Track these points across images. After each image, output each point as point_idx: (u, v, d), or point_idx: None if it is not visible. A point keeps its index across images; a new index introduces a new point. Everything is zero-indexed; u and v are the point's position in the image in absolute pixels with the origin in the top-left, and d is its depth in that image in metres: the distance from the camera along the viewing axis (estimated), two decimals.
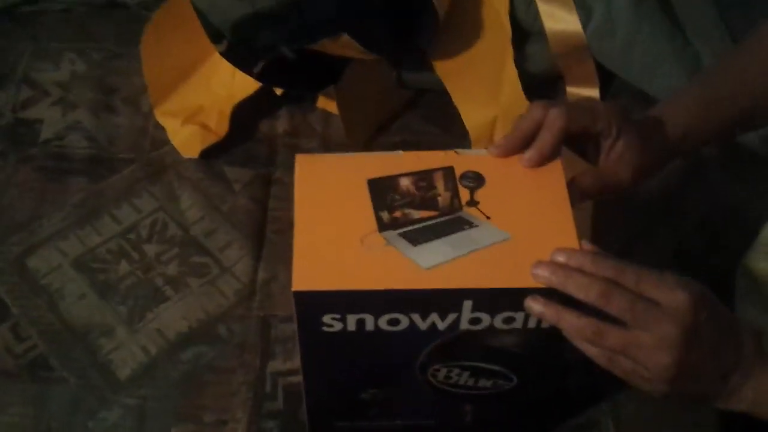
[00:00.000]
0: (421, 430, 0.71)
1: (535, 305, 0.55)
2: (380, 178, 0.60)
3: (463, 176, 0.61)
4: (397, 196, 0.59)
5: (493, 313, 0.56)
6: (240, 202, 0.90)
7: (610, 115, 0.64)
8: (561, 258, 0.55)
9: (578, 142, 0.65)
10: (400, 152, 0.63)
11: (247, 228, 0.88)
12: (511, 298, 0.55)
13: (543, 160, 0.61)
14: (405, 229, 0.58)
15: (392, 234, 0.57)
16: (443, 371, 0.62)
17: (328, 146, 0.95)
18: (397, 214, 0.59)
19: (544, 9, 0.96)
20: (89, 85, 0.99)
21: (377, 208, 0.59)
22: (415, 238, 0.57)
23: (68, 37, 1.04)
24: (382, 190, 0.60)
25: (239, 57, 0.93)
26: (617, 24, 0.94)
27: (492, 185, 0.60)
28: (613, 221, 0.83)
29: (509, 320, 0.57)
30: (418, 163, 0.61)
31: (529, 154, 0.62)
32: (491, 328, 0.57)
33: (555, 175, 0.61)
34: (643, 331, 0.54)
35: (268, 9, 0.97)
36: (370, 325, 0.57)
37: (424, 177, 0.61)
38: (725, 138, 0.71)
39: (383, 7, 0.93)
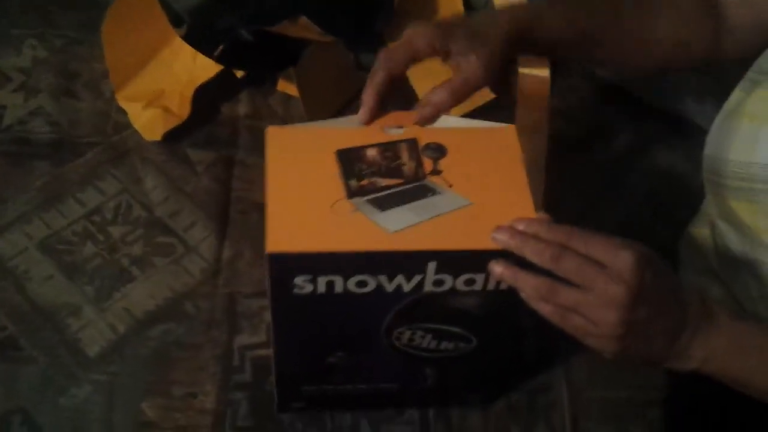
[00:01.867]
0: (384, 393, 0.73)
1: (496, 267, 0.58)
2: (348, 149, 0.63)
3: (426, 147, 0.64)
4: (364, 166, 0.62)
5: (455, 275, 0.59)
6: (203, 183, 0.92)
7: (426, 37, 0.65)
8: (520, 226, 0.58)
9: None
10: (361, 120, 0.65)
11: (210, 208, 0.90)
12: (472, 260, 0.58)
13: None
14: (372, 196, 0.60)
15: (360, 200, 0.60)
16: (407, 334, 0.65)
17: None
18: (365, 182, 0.61)
19: None
20: (51, 71, 1.00)
21: (346, 177, 0.61)
22: (382, 204, 0.60)
23: (29, 23, 1.05)
24: (350, 160, 0.62)
25: (199, 40, 0.95)
26: None
27: (453, 155, 0.63)
28: (562, 196, 0.86)
29: (470, 282, 0.59)
30: (382, 135, 0.64)
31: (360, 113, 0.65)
32: (453, 290, 0.60)
33: (510, 143, 0.65)
34: (591, 291, 0.57)
35: None
36: (339, 287, 0.60)
37: (389, 148, 0.63)
38: (575, 50, 0.72)
39: None
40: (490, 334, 0.66)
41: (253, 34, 0.93)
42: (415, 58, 0.65)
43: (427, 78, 0.98)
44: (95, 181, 0.91)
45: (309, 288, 0.59)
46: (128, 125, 0.95)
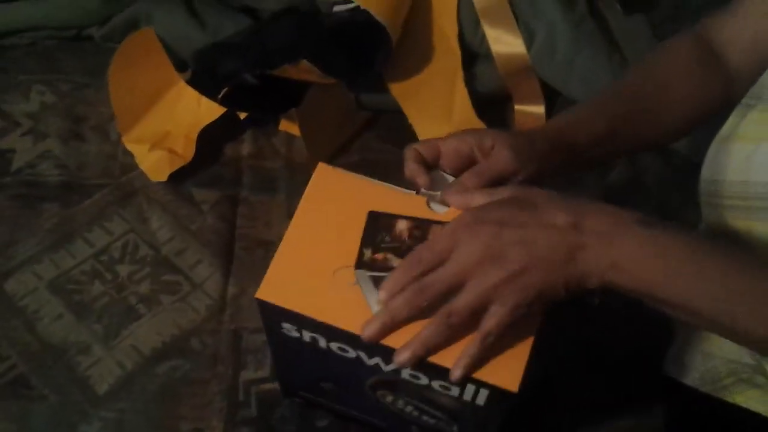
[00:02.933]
0: (376, 426, 0.75)
1: (401, 357, 0.57)
2: (381, 214, 0.62)
3: None
4: (387, 238, 0.61)
5: (430, 378, 0.59)
6: (208, 222, 0.94)
7: (470, 136, 0.66)
8: (383, 294, 0.57)
9: None
10: (413, 193, 0.64)
11: (215, 246, 0.92)
12: (447, 375, 0.57)
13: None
14: (377, 273, 0.59)
15: (363, 274, 0.59)
16: (390, 397, 0.66)
17: (291, 167, 0.99)
18: (379, 256, 0.60)
19: (490, 33, 1.02)
20: (58, 115, 1.03)
21: (364, 244, 0.60)
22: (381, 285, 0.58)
23: (36, 69, 1.08)
24: (377, 227, 0.61)
25: (203, 84, 0.98)
26: (558, 45, 1.00)
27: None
28: None
29: (445, 388, 0.59)
30: (424, 209, 0.62)
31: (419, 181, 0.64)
32: (430, 386, 0.60)
33: None
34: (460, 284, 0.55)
35: (230, 38, 1.02)
36: (322, 344, 0.61)
37: (420, 226, 0.61)
38: (609, 147, 0.72)
39: (340, 35, 0.99)
40: (473, 425, 0.65)
41: (256, 77, 0.96)
42: (459, 149, 0.66)
43: (425, 121, 1.02)
44: (103, 221, 0.93)
45: (296, 334, 0.61)
46: (135, 167, 0.98)
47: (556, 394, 0.81)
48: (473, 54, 1.05)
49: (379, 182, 0.65)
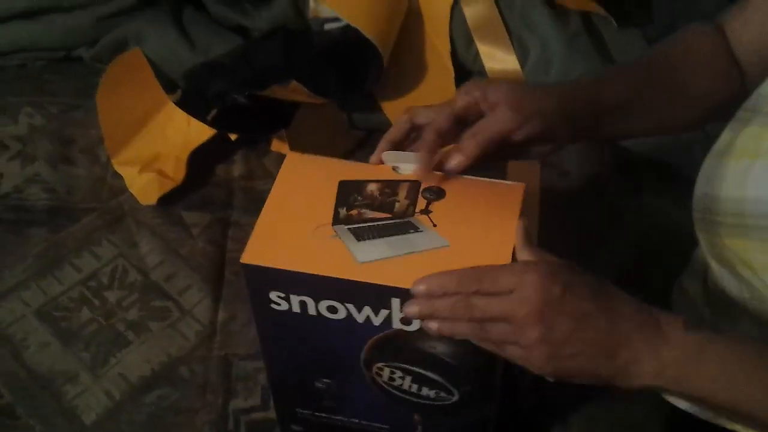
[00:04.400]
0: None
1: (411, 309, 0.58)
2: (351, 181, 0.64)
3: (426, 189, 0.64)
4: (359, 197, 0.63)
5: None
6: (198, 246, 0.92)
7: (466, 89, 0.65)
8: (422, 287, 0.57)
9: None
10: (384, 165, 0.66)
11: (206, 270, 0.90)
12: None
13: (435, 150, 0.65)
14: (354, 226, 0.62)
15: (342, 228, 0.61)
16: (386, 371, 0.65)
17: None
18: (354, 212, 0.62)
19: (483, 50, 1.01)
20: (47, 138, 1.02)
21: (338, 205, 0.63)
22: (361, 235, 0.61)
23: (25, 91, 1.07)
24: (348, 191, 0.64)
25: (193, 105, 0.96)
26: (552, 61, 0.99)
27: (450, 200, 0.64)
28: (552, 244, 0.87)
29: None
30: (392, 175, 0.66)
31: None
32: (421, 331, 0.60)
33: (512, 198, 0.65)
34: (506, 320, 0.56)
35: (220, 58, 1.01)
36: (311, 309, 0.61)
37: (390, 185, 0.65)
38: (629, 118, 0.72)
39: (330, 53, 0.98)
40: (470, 389, 0.66)
41: (245, 97, 0.95)
42: (455, 109, 0.65)
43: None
44: (91, 246, 0.92)
45: (285, 305, 0.61)
46: (124, 190, 0.97)
47: (554, 420, 0.79)
48: (467, 71, 1.04)
49: (347, 161, 0.68)
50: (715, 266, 0.73)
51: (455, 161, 0.64)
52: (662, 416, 0.77)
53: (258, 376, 0.82)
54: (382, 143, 0.67)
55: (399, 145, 0.67)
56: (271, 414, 0.76)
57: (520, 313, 0.56)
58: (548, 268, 0.57)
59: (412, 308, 0.58)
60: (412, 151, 0.66)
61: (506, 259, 0.60)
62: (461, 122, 0.65)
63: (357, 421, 0.73)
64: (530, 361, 0.58)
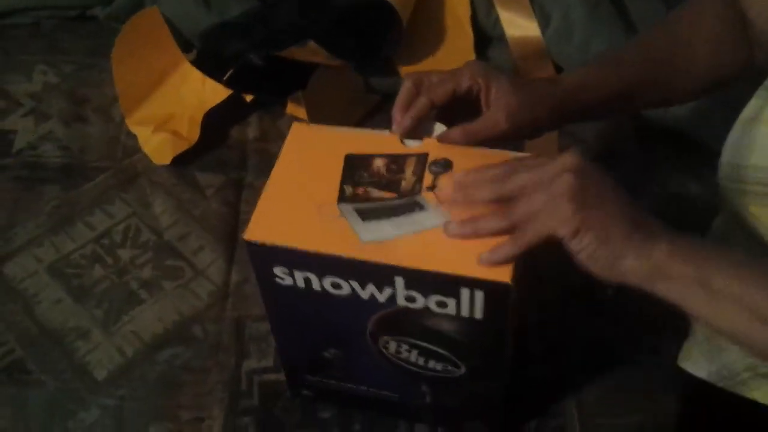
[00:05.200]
0: (385, 402, 0.73)
1: (452, 229, 0.58)
2: (357, 155, 0.64)
3: (434, 162, 0.64)
4: (365, 174, 0.63)
5: (425, 294, 0.59)
6: (212, 207, 0.92)
7: (472, 71, 0.66)
8: (459, 177, 0.60)
9: (463, 104, 0.68)
10: (387, 132, 0.66)
11: (219, 232, 0.90)
12: (439, 283, 0.58)
13: (409, 133, 0.66)
14: (360, 205, 0.61)
15: (347, 207, 0.61)
16: (393, 345, 0.65)
17: None
18: (360, 190, 0.62)
19: (504, 16, 1.00)
20: (61, 96, 1.01)
21: (344, 182, 0.62)
22: (366, 214, 0.60)
23: (39, 49, 1.06)
24: (355, 166, 0.63)
25: (209, 65, 0.95)
26: (574, 28, 0.98)
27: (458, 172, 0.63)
28: None
29: (442, 304, 0.59)
30: (399, 147, 0.65)
31: (393, 128, 0.66)
32: (427, 309, 0.60)
33: None
34: (541, 169, 0.57)
35: (236, 19, 1.00)
36: (316, 284, 0.61)
37: (396, 160, 0.64)
38: (621, 105, 0.73)
39: (349, 16, 0.96)
40: (478, 364, 0.65)
41: (262, 58, 0.94)
42: (457, 89, 0.66)
43: None
44: (104, 205, 0.91)
45: (289, 281, 0.61)
46: (138, 149, 0.96)
47: (566, 390, 0.79)
48: (486, 37, 1.02)
49: (355, 129, 0.68)
50: (739, 235, 0.72)
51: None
52: (677, 386, 0.77)
53: (270, 338, 0.81)
54: (399, 113, 0.66)
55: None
56: (284, 376, 0.76)
57: (557, 165, 0.57)
58: (573, 158, 0.58)
59: (454, 228, 0.58)
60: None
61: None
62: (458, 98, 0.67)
63: (366, 388, 0.73)
64: (558, 210, 0.57)
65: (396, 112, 0.67)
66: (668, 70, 0.73)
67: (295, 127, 0.67)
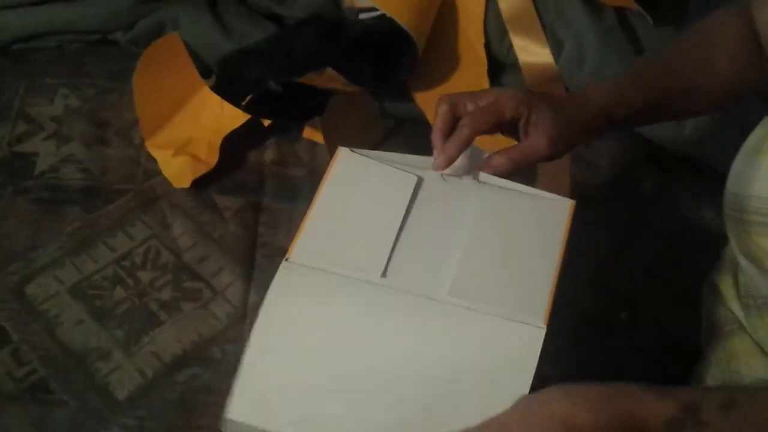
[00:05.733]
0: None
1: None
2: None
3: None
4: None
5: None
6: (230, 229, 0.93)
7: (515, 101, 0.68)
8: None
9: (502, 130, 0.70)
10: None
11: (237, 253, 0.91)
12: None
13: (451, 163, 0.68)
14: None
15: None
16: None
17: (314, 175, 0.99)
18: None
19: (517, 42, 1.01)
20: (82, 119, 1.03)
21: None
22: None
23: (61, 73, 1.08)
24: None
25: (228, 91, 0.97)
26: (586, 55, 0.99)
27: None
28: (586, 243, 0.88)
29: None
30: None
31: (438, 161, 0.68)
32: None
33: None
34: None
35: (255, 45, 1.02)
36: None
37: None
38: (644, 119, 0.75)
39: (365, 42, 0.98)
40: None
41: (280, 84, 0.95)
42: (500, 119, 0.68)
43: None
44: (125, 226, 0.93)
45: None
46: (158, 172, 0.98)
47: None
48: (500, 63, 1.04)
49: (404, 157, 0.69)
50: (744, 264, 0.73)
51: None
52: None
53: None
54: (439, 140, 0.68)
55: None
56: None
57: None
58: None
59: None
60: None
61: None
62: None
63: None
64: None
65: (436, 139, 0.68)
66: (686, 89, 0.74)
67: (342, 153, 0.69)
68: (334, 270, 0.62)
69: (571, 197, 0.70)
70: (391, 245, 0.63)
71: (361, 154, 0.69)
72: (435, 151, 0.68)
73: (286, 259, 0.62)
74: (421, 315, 0.60)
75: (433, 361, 0.59)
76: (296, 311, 0.61)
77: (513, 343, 0.59)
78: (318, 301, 0.62)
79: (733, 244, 0.74)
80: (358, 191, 0.67)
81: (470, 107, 0.69)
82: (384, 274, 0.62)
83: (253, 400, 0.58)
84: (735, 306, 0.77)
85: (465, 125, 0.68)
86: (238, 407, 0.58)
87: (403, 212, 0.66)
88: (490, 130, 0.68)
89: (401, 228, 0.65)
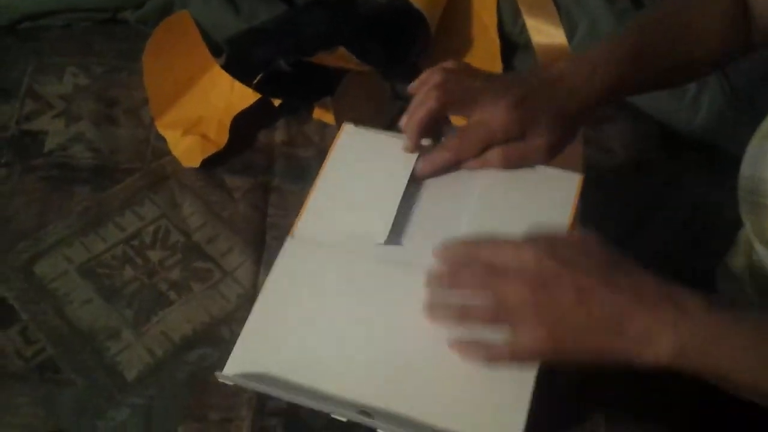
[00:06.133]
0: None
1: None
2: None
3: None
4: None
5: None
6: (240, 209, 0.93)
7: (507, 121, 0.66)
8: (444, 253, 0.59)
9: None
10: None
11: (247, 234, 0.91)
12: None
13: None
14: None
15: None
16: None
17: (324, 156, 0.97)
18: None
19: (531, 23, 1.00)
20: (91, 98, 1.02)
21: None
22: None
23: (70, 51, 1.07)
24: None
25: (238, 69, 0.96)
26: (601, 36, 0.98)
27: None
28: (598, 228, 0.87)
29: None
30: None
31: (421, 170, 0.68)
32: None
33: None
34: (499, 299, 0.55)
35: (265, 24, 1.01)
36: None
37: None
38: (639, 92, 0.75)
39: (377, 23, 0.97)
40: None
41: (290, 64, 0.95)
42: (491, 143, 0.67)
43: None
44: (134, 206, 0.92)
45: None
46: (167, 152, 0.97)
47: (594, 403, 0.79)
48: (512, 44, 1.03)
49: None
50: (759, 248, 0.72)
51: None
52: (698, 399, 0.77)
53: None
54: (416, 133, 0.68)
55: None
56: None
57: (512, 288, 0.55)
58: (546, 244, 0.56)
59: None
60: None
61: None
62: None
63: None
64: (520, 342, 0.55)
65: (411, 130, 0.68)
66: (690, 59, 0.73)
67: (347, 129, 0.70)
68: (337, 244, 0.62)
69: (583, 180, 0.70)
70: (393, 218, 0.63)
71: (366, 130, 0.69)
72: (406, 136, 0.68)
73: (291, 235, 0.62)
74: (419, 292, 0.60)
75: (432, 331, 0.58)
76: (300, 284, 0.63)
77: None
78: (321, 274, 0.63)
79: (749, 228, 0.73)
80: (361, 165, 0.68)
81: (460, 110, 0.68)
82: (387, 245, 0.62)
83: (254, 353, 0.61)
84: (749, 288, 0.77)
85: (449, 149, 0.67)
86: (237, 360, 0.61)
87: (404, 185, 0.65)
88: (477, 154, 0.67)
89: (406, 201, 0.65)
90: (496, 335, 0.56)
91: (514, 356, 0.56)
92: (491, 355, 0.57)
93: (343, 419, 0.58)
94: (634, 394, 0.79)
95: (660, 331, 0.53)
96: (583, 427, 0.77)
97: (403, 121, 0.69)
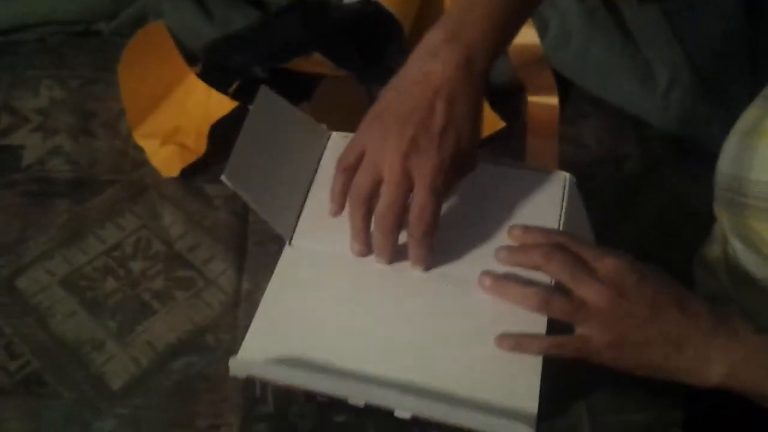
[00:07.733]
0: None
1: (485, 280, 0.61)
2: None
3: None
4: None
5: None
6: (221, 217, 0.93)
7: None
8: (516, 231, 0.62)
9: None
10: None
11: (228, 241, 0.91)
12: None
13: None
14: None
15: None
16: None
17: None
18: None
19: None
20: (68, 111, 1.02)
21: None
22: None
23: (45, 65, 1.07)
24: None
25: (214, 77, 0.97)
26: (572, 35, 0.99)
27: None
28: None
29: None
30: None
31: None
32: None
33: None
34: (576, 292, 0.59)
35: (240, 32, 1.01)
36: None
37: None
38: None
39: (350, 27, 0.98)
40: None
41: (266, 70, 0.95)
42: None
43: None
44: (115, 217, 0.93)
45: None
46: (146, 162, 0.97)
47: (576, 391, 0.80)
48: None
49: None
50: (735, 242, 0.73)
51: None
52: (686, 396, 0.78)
53: None
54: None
55: None
56: None
57: (592, 290, 0.58)
58: (627, 256, 0.59)
59: (502, 254, 0.61)
60: None
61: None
62: None
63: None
64: (587, 340, 0.59)
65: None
66: None
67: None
68: (334, 250, 0.64)
69: None
70: None
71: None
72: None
73: (289, 244, 0.63)
74: (422, 289, 0.62)
75: (432, 329, 0.60)
76: (302, 283, 0.67)
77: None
78: (321, 279, 0.66)
79: (724, 223, 0.74)
80: None
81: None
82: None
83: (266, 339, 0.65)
84: (725, 278, 0.78)
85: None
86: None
87: None
88: None
89: None
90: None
91: (579, 352, 0.60)
92: (558, 344, 0.60)
93: (360, 404, 0.59)
94: (616, 385, 0.80)
95: (714, 354, 0.58)
96: (566, 419, 0.78)
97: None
